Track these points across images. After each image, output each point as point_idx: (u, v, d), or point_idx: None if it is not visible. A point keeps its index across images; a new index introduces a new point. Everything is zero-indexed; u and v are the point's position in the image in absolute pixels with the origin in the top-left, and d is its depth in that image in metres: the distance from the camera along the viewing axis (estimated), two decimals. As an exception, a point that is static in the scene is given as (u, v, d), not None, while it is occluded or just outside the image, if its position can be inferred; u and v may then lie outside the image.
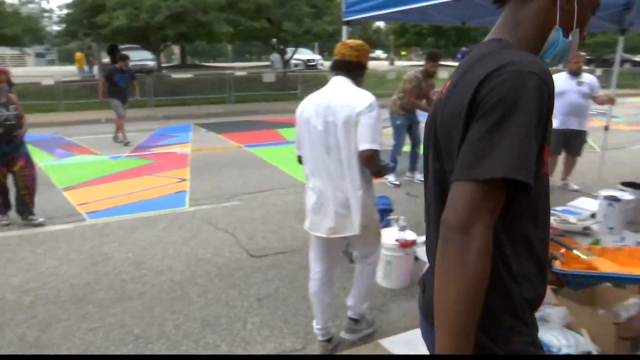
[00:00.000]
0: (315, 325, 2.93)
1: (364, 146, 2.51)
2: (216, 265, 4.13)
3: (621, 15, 5.15)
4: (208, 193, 6.17)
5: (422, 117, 6.37)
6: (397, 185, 6.39)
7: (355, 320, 3.06)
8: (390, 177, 6.40)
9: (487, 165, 0.94)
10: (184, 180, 6.78)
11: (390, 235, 3.61)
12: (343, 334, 3.06)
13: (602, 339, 2.61)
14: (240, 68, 24.50)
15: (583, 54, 6.53)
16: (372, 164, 2.56)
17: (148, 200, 5.91)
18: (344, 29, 4.19)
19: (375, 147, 2.51)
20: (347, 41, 2.77)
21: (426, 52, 6.46)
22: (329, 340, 2.93)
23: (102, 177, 6.97)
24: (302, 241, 4.51)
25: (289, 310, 3.42)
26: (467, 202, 0.96)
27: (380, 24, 34.77)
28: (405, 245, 3.52)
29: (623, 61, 27.55)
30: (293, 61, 23.75)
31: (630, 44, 28.36)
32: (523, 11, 1.12)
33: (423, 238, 4.22)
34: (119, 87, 9.14)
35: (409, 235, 3.61)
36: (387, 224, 4.00)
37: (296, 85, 17.45)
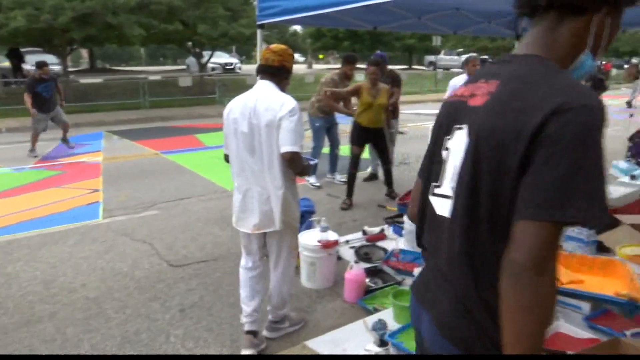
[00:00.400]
0: (243, 316, 2.95)
1: (285, 148, 2.62)
2: (135, 279, 3.96)
3: (516, 22, 5.56)
4: (123, 203, 5.89)
5: (341, 119, 6.50)
6: (318, 187, 6.47)
7: (276, 322, 3.10)
8: (312, 179, 6.47)
9: (576, 206, 0.95)
10: (96, 190, 6.43)
11: (312, 237, 3.65)
12: (265, 332, 3.09)
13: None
14: (154, 72, 23.67)
15: (475, 55, 7.00)
16: (294, 165, 2.68)
17: (57, 214, 5.54)
18: (259, 32, 4.19)
19: (296, 149, 2.62)
20: (271, 46, 2.82)
21: (343, 56, 6.61)
22: (255, 334, 2.93)
23: (3, 191, 6.43)
24: (225, 248, 4.44)
25: (213, 319, 3.35)
26: (545, 242, 0.97)
27: (298, 27, 35.08)
28: (328, 245, 3.57)
29: (522, 63, 29.83)
30: (210, 65, 23.32)
31: (527, 47, 30.74)
32: (559, 30, 1.13)
33: (345, 238, 4.33)
34: (43, 98, 8.33)
35: (331, 235, 3.67)
36: (310, 226, 4.04)
37: (214, 90, 17.12)
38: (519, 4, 1.21)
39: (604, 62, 27.71)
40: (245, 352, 2.89)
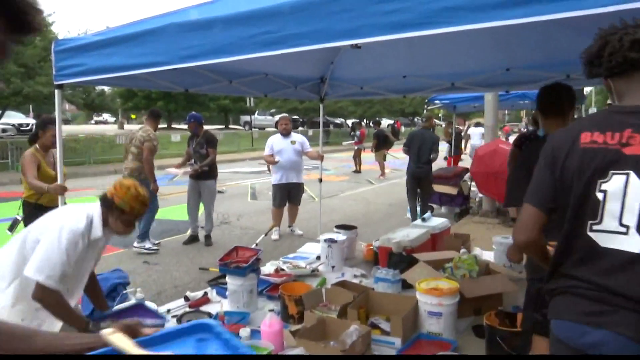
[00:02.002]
0: None
1: (27, 271, 2.26)
2: None
3: (319, 87, 6.16)
4: None
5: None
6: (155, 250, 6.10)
7: None
8: (147, 244, 6.07)
9: None
10: None
11: (128, 311, 3.35)
12: None
13: (335, 368, 2.93)
14: None
15: (286, 115, 7.55)
16: (41, 302, 2.28)
17: None
18: (57, 92, 3.86)
19: (38, 278, 2.22)
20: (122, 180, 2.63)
21: (149, 111, 6.52)
22: None
23: None
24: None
25: None
26: None
27: (106, 87, 33.19)
28: (146, 318, 3.31)
29: (328, 123, 32.84)
30: (0, 125, 20.55)
31: (330, 109, 34.05)
32: None
33: (166, 307, 4.07)
34: None
35: (149, 306, 3.42)
36: (125, 299, 3.71)
37: (6, 154, 15.02)
38: (628, 62, 1.46)
39: (397, 120, 32.05)
40: None
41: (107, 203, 2.47)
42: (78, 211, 2.45)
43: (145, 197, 2.48)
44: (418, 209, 7.25)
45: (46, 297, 2.23)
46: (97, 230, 2.44)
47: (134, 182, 2.56)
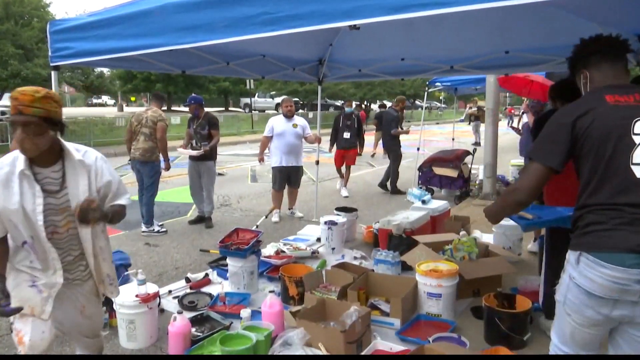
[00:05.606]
0: None
1: None
2: None
3: (317, 69, 6.10)
4: None
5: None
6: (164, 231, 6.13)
7: None
8: (156, 227, 6.09)
9: None
10: None
11: (129, 292, 3.37)
12: None
13: (335, 348, 2.96)
14: None
15: (287, 97, 7.48)
16: None
17: None
18: (53, 74, 3.81)
19: None
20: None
21: (154, 94, 6.48)
22: None
23: None
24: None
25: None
26: None
27: (105, 68, 32.92)
28: (147, 299, 3.33)
29: (329, 106, 32.63)
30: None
31: (330, 92, 33.81)
32: None
33: (167, 288, 4.10)
34: None
35: (150, 288, 3.44)
36: (126, 280, 3.74)
37: (6, 136, 14.99)
38: None
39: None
40: None
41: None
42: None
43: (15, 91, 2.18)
44: None
45: None
46: (20, 162, 2.19)
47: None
